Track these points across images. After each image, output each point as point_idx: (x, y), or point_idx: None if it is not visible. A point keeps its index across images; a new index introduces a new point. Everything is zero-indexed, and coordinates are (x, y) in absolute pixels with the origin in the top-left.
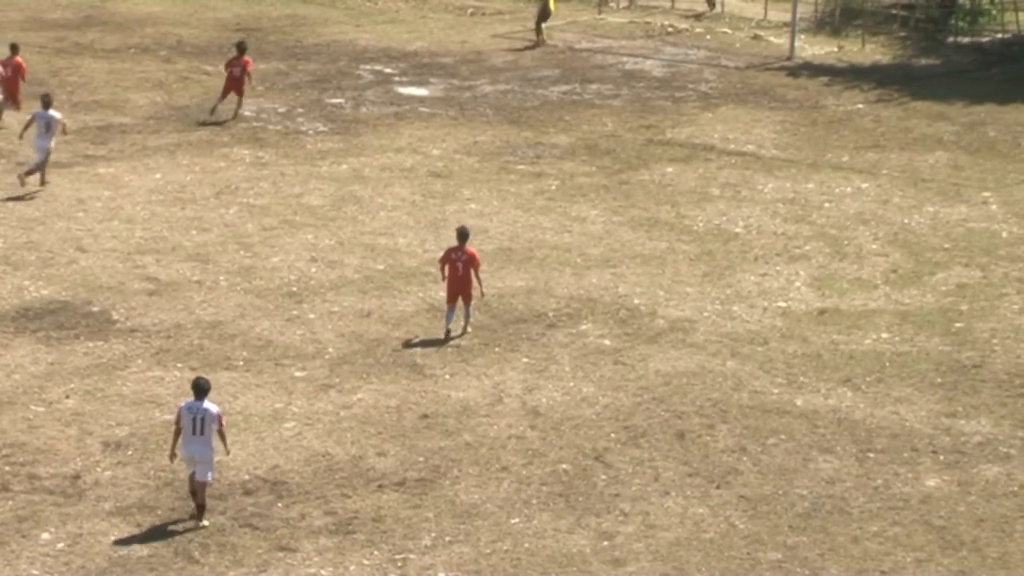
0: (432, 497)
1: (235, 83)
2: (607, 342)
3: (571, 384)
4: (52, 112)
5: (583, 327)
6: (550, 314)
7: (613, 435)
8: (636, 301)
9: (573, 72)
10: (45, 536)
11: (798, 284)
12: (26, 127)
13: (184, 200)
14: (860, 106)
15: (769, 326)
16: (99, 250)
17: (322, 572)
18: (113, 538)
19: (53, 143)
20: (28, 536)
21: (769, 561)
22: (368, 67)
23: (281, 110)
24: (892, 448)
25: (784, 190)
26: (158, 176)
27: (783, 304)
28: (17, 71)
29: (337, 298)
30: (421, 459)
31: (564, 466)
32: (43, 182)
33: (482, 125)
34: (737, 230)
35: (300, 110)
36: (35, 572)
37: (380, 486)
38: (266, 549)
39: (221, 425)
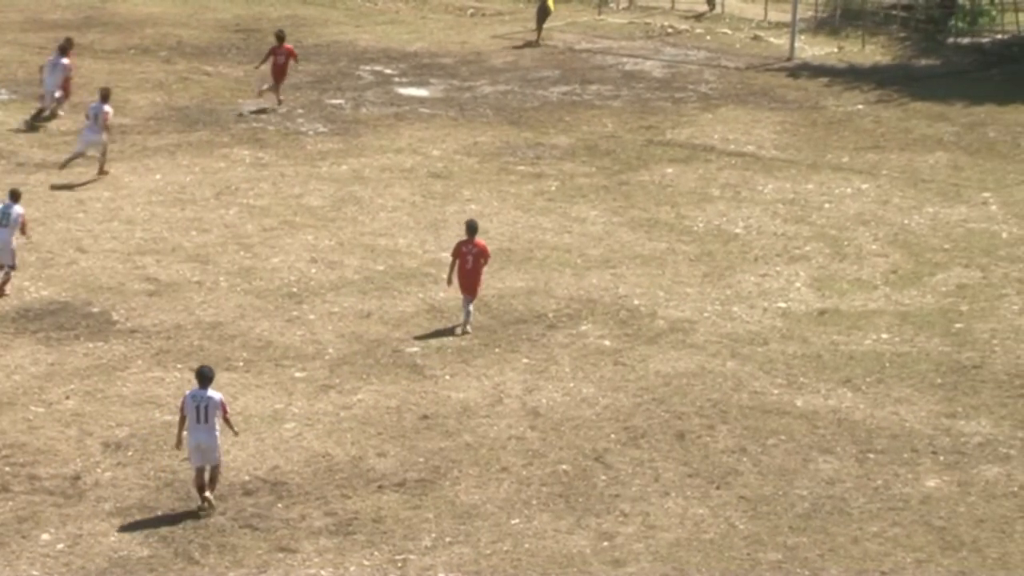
0: (432, 498)
1: (279, 70)
2: (607, 343)
3: (571, 385)
4: (105, 105)
5: (583, 328)
6: (550, 315)
7: (613, 436)
8: (636, 302)
9: (573, 73)
10: (45, 537)
11: (798, 285)
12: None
13: (184, 201)
14: (860, 107)
15: (769, 327)
16: (99, 251)
17: (322, 573)
18: (113, 539)
19: (104, 136)
20: (28, 537)
21: (769, 562)
22: (368, 68)
23: (281, 111)
24: (892, 449)
25: (784, 191)
26: (158, 177)
27: (783, 305)
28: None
29: (337, 299)
30: (421, 460)
31: (564, 467)
32: (102, 171)
33: (482, 126)
34: (737, 231)
35: (300, 111)
36: (35, 573)
37: (380, 487)
38: (266, 550)
39: (225, 411)
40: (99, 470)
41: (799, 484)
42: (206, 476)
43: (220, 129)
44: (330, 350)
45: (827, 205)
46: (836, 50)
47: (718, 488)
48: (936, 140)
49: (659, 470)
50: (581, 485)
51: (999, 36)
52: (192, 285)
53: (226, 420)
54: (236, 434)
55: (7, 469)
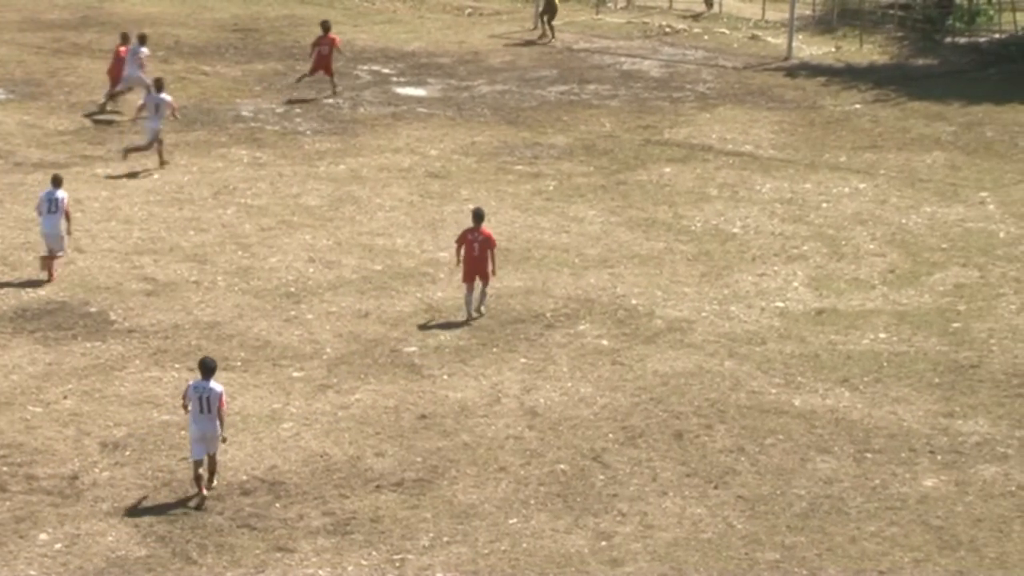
0: (430, 497)
1: (323, 61)
2: (605, 342)
3: (569, 384)
4: (164, 95)
5: (581, 327)
6: (548, 314)
7: (611, 435)
8: (634, 301)
9: (571, 72)
10: (43, 537)
11: (796, 284)
12: (140, 110)
13: (182, 200)
14: (858, 106)
15: (767, 326)
16: (97, 250)
17: (320, 572)
18: (111, 538)
19: (161, 124)
20: (26, 537)
21: (767, 561)
22: (366, 67)
23: (279, 110)
24: (890, 448)
25: (782, 190)
26: (156, 176)
27: (781, 304)
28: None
29: (335, 298)
30: (419, 459)
31: (562, 466)
32: (162, 163)
33: (480, 125)
34: (735, 230)
35: (298, 110)
36: (33, 573)
37: (378, 486)
38: (264, 549)
39: (223, 405)
40: (97, 470)
41: (797, 484)
42: (203, 470)
43: (218, 129)
44: (328, 350)
45: (825, 205)
46: (834, 50)
47: (716, 488)
48: (934, 140)
49: (657, 470)
50: (579, 485)
51: (996, 36)
52: (190, 285)
53: (220, 415)
54: (224, 440)
55: (5, 469)
